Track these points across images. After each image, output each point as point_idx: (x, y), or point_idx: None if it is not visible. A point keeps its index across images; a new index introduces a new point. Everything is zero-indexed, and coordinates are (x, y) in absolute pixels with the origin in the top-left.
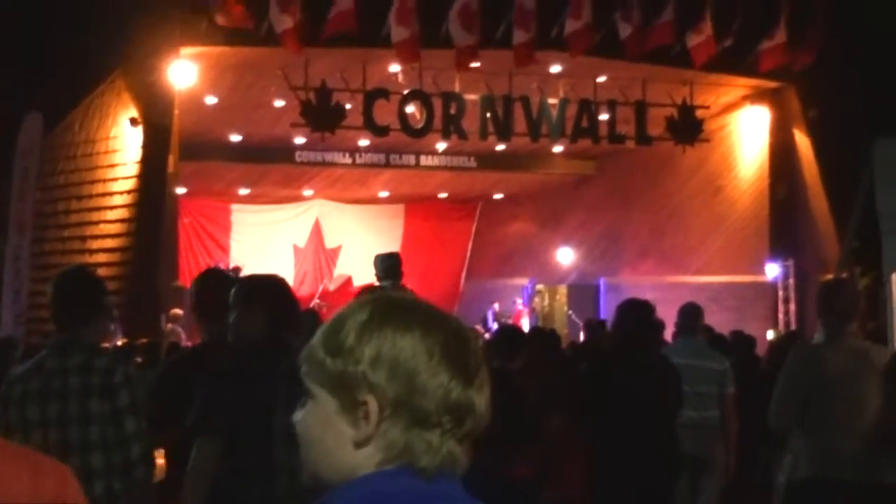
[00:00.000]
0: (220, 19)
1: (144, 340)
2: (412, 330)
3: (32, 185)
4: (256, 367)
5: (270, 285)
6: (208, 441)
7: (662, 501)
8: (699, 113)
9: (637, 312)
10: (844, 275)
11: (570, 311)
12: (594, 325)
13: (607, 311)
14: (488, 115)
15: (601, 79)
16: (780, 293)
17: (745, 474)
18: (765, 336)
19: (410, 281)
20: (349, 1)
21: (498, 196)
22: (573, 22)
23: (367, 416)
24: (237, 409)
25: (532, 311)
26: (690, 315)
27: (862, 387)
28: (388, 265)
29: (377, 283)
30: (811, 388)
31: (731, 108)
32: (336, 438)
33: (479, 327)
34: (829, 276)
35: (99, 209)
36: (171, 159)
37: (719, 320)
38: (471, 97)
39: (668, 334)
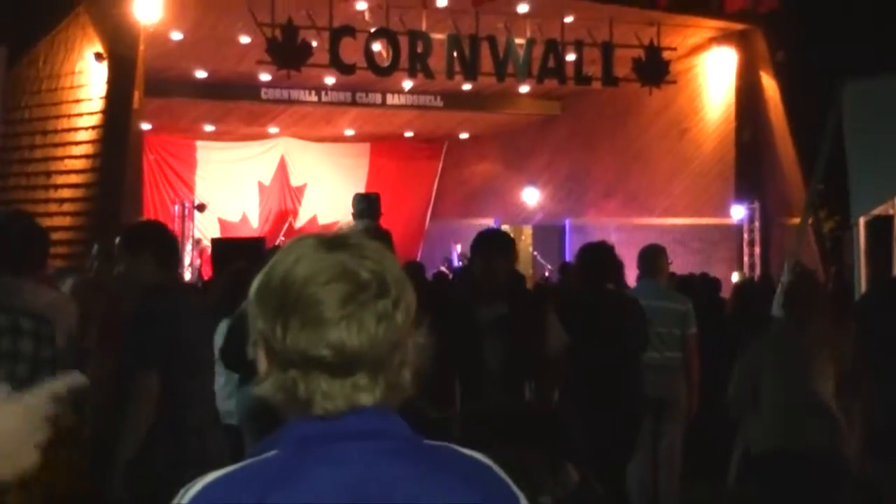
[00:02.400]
0: None
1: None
2: (339, 251)
3: None
4: (169, 307)
5: (152, 231)
6: (146, 375)
7: (628, 442)
8: (666, 54)
9: (597, 254)
10: (809, 220)
11: (535, 252)
12: (566, 269)
13: (573, 252)
14: (455, 54)
15: (568, 19)
16: (746, 236)
17: (706, 415)
18: (730, 278)
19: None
20: None
21: (464, 136)
22: None
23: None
24: (167, 345)
25: None
26: (651, 257)
27: (814, 364)
28: (363, 206)
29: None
30: (766, 370)
31: (697, 49)
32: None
33: (443, 268)
34: (796, 220)
35: (64, 144)
36: (137, 95)
37: (685, 262)
38: (437, 36)
39: (632, 276)
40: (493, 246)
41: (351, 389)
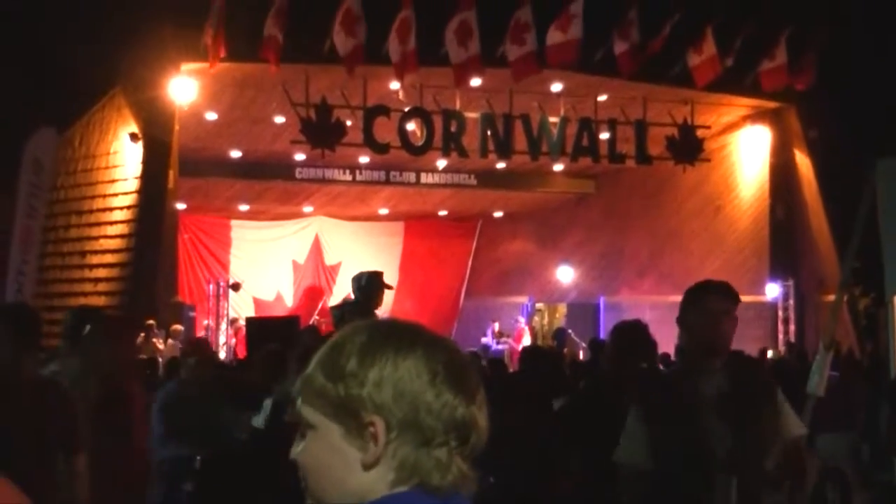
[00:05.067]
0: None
1: (144, 357)
2: (414, 350)
3: (43, 201)
4: None
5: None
6: None
7: None
8: (700, 132)
9: (630, 333)
10: (845, 297)
11: (570, 330)
12: (597, 346)
13: (607, 330)
14: (489, 132)
15: (602, 97)
16: (780, 313)
17: None
18: (765, 356)
19: (409, 298)
20: (359, 33)
21: (498, 214)
22: (559, 34)
23: (376, 437)
24: None
25: (532, 329)
26: None
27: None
28: (365, 286)
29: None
30: None
31: (731, 127)
32: (344, 463)
33: (478, 351)
34: (831, 297)
35: (99, 224)
36: (171, 175)
37: None
38: (471, 115)
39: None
40: (718, 296)
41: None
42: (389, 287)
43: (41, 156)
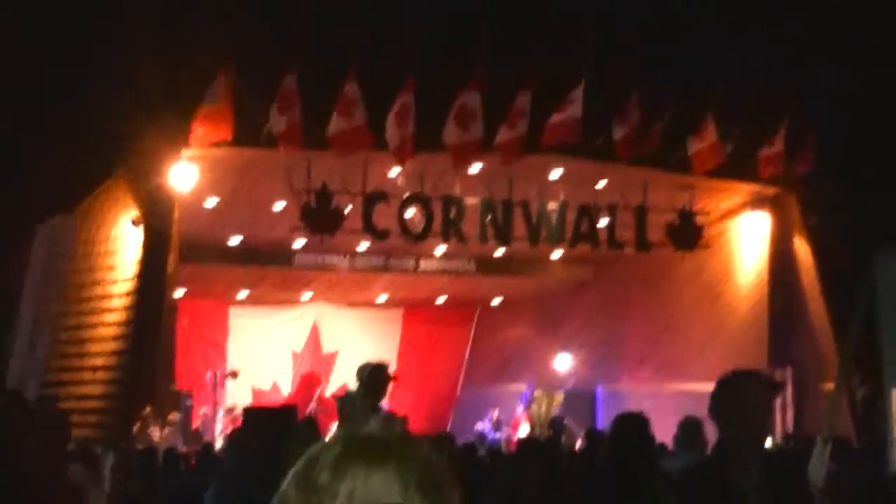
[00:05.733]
0: (198, 135)
1: (140, 447)
2: (386, 462)
3: (59, 288)
4: None
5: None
6: None
7: None
8: (699, 219)
9: (630, 426)
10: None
11: (567, 418)
12: (594, 436)
13: (605, 418)
14: (488, 219)
15: (601, 183)
16: (779, 400)
17: None
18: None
19: (407, 386)
20: (360, 116)
21: (496, 300)
22: (558, 116)
23: None
24: None
25: (530, 417)
26: (690, 429)
27: None
28: (368, 378)
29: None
30: None
31: (731, 213)
32: None
33: (474, 441)
34: (829, 385)
35: (98, 311)
36: (171, 261)
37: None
38: (470, 201)
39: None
40: (759, 386)
41: None
42: (394, 378)
43: (57, 243)
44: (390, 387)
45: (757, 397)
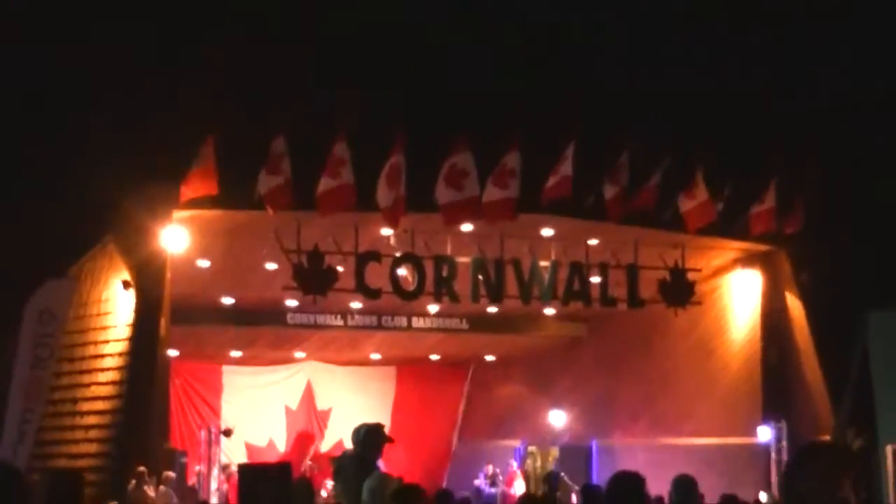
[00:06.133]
0: (186, 194)
1: None
2: None
3: (55, 352)
4: None
5: None
6: None
7: None
8: (691, 276)
9: (625, 486)
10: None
11: (563, 474)
12: (590, 491)
13: (600, 473)
14: (480, 277)
15: (593, 241)
16: (773, 455)
17: None
18: (758, 499)
19: (402, 442)
20: (346, 175)
21: (490, 358)
22: (551, 178)
23: None
24: None
25: (524, 473)
26: (684, 487)
27: None
28: (364, 439)
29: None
30: None
31: (722, 270)
32: None
33: (469, 496)
34: (826, 438)
35: (90, 371)
36: (163, 322)
37: (712, 483)
38: (462, 260)
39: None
40: (839, 461)
41: None
42: (390, 440)
43: (54, 306)
44: (385, 447)
45: (832, 474)
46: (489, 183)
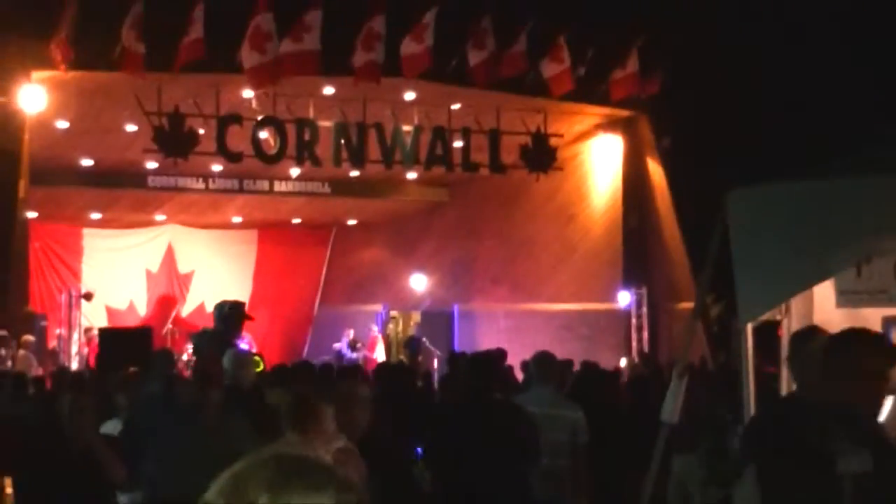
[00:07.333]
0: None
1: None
2: (326, 488)
3: None
4: None
5: None
6: None
7: None
8: (553, 141)
9: (486, 364)
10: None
11: (424, 339)
12: (455, 359)
13: (461, 338)
14: (342, 141)
15: (455, 106)
16: (634, 321)
17: None
18: (618, 363)
19: (263, 306)
20: (198, 30)
21: (352, 222)
22: (413, 44)
23: None
24: None
25: (386, 338)
26: (544, 363)
27: None
28: (227, 316)
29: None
30: None
31: (584, 136)
32: None
33: (331, 359)
34: (683, 305)
35: None
36: (22, 184)
37: (572, 348)
38: (325, 124)
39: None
40: (876, 354)
41: None
42: (251, 318)
43: None
44: (243, 326)
45: (868, 368)
46: (358, 46)
